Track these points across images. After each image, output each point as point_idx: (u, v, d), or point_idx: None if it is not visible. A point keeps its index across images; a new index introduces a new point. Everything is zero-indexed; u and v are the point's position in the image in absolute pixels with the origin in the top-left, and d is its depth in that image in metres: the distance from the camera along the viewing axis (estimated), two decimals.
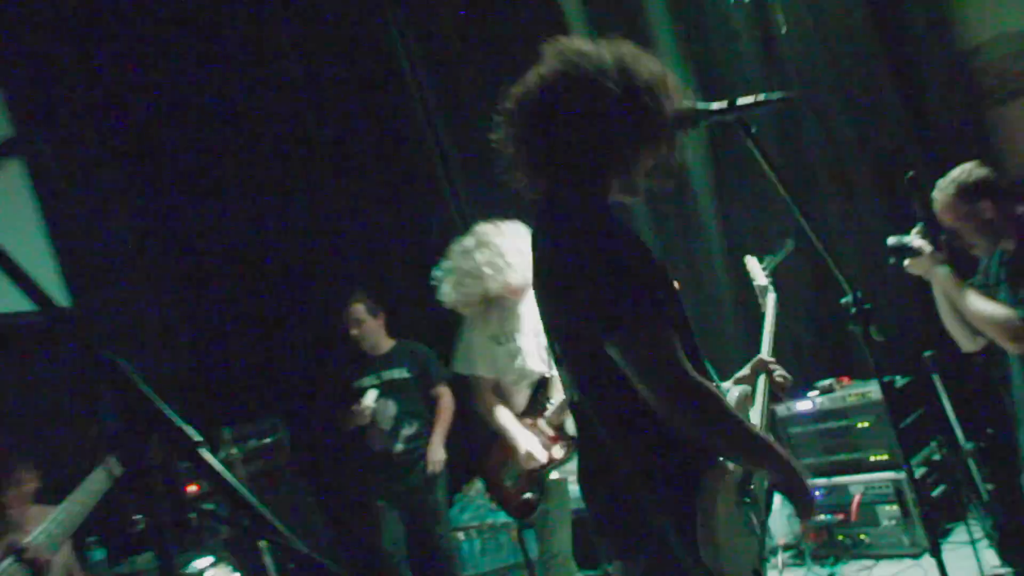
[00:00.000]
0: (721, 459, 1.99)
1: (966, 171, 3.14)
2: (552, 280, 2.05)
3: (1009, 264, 3.12)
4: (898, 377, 4.55)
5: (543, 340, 3.78)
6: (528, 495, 3.87)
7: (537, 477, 3.86)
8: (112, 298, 5.63)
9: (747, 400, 2.35)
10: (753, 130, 2.34)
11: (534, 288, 2.15)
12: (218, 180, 6.35)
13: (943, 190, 3.15)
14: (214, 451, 1.26)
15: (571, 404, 2.21)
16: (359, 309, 5.13)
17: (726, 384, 2.41)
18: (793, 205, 2.35)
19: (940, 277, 3.12)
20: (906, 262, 3.24)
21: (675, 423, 1.89)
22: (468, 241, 3.98)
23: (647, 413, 1.91)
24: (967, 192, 3.08)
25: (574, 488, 4.12)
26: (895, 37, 4.67)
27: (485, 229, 3.97)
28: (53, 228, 5.19)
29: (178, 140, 6.29)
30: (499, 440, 3.96)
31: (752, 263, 3.30)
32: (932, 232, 3.19)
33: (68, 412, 4.88)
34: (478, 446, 4.10)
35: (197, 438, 1.26)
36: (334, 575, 1.25)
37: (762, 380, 2.44)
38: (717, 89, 4.80)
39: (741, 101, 2.30)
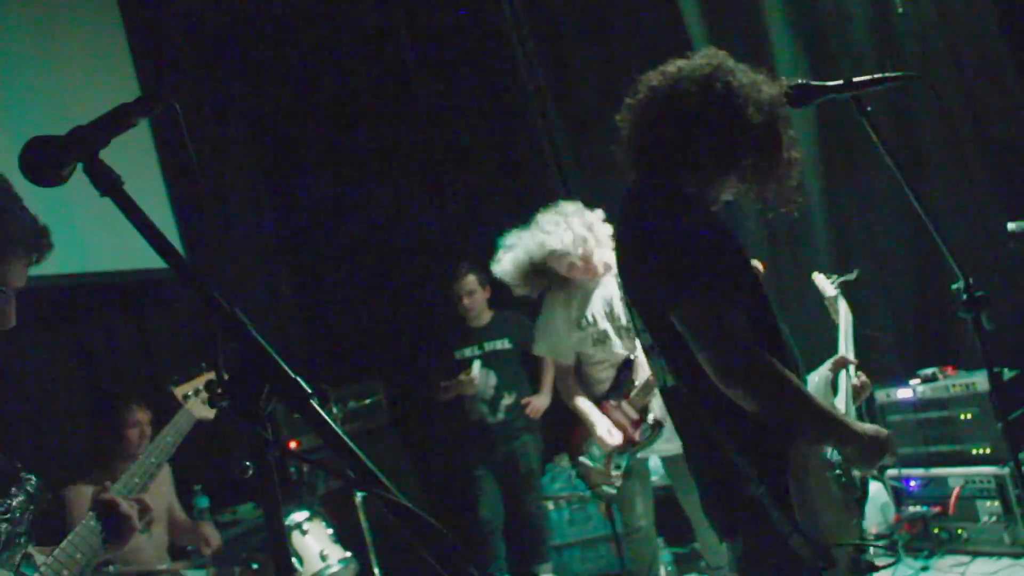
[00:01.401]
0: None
1: None
2: (631, 259, 2.17)
3: None
4: (1006, 369, 4.39)
5: (625, 322, 3.82)
6: (614, 473, 3.87)
7: (618, 461, 3.88)
8: (226, 258, 5.84)
9: (829, 386, 2.35)
10: (869, 109, 2.30)
11: (619, 274, 2.26)
12: (339, 154, 6.52)
13: None
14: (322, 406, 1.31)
15: (664, 389, 2.25)
16: (472, 280, 5.24)
17: (811, 373, 2.40)
18: (906, 186, 2.31)
19: None
20: None
21: (732, 393, 1.94)
22: (540, 216, 4.00)
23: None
24: None
25: (656, 463, 4.15)
26: (1016, 19, 4.48)
27: (563, 207, 3.98)
28: (174, 187, 5.41)
29: (306, 114, 6.52)
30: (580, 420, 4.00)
31: (820, 279, 3.28)
32: None
33: (180, 364, 5.14)
34: (566, 428, 4.12)
35: (308, 390, 1.32)
36: (434, 529, 1.30)
37: (843, 373, 2.44)
38: (830, 71, 4.67)
39: (858, 79, 2.27)
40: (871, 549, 4.45)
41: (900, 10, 4.74)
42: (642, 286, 2.13)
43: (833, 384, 2.41)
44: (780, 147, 2.13)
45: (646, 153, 2.17)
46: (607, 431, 3.83)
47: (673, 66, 2.17)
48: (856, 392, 2.45)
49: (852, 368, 2.48)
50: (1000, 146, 4.56)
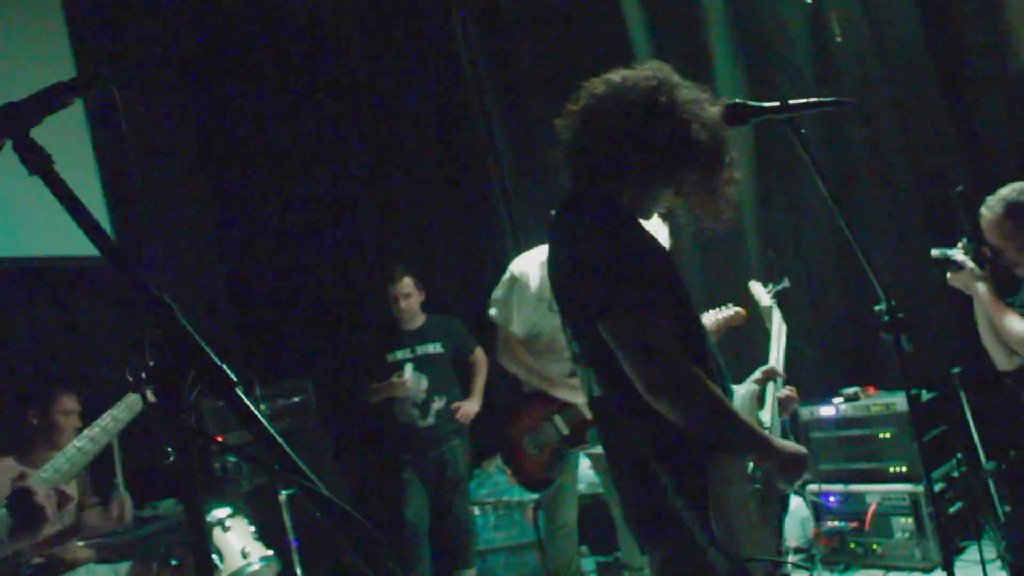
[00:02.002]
0: None
1: (1016, 190, 3.12)
2: (562, 269, 2.16)
3: None
4: (924, 391, 4.53)
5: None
6: (551, 473, 3.87)
7: (561, 454, 3.88)
8: (160, 248, 5.74)
9: (755, 399, 2.39)
10: (803, 131, 2.36)
11: (551, 282, 2.25)
12: (278, 148, 6.46)
13: (991, 208, 3.14)
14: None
15: (591, 399, 2.25)
16: (408, 283, 5.21)
17: (738, 386, 2.44)
18: (835, 209, 2.37)
19: (980, 293, 3.12)
20: (948, 275, 3.24)
21: (658, 404, 1.96)
22: None
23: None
24: (1016, 211, 3.07)
25: (584, 464, 4.18)
26: (950, 54, 4.65)
27: None
28: (107, 172, 5.31)
29: (248, 108, 6.44)
30: (526, 407, 3.95)
31: (756, 287, 3.34)
32: (976, 248, 3.19)
33: (110, 352, 5.05)
34: (501, 412, 4.07)
35: (234, 379, 1.31)
36: (357, 523, 1.30)
37: (771, 386, 2.48)
38: (770, 93, 4.78)
39: (794, 101, 2.33)
40: (787, 564, 4.58)
41: (839, 38, 4.88)
42: (572, 296, 2.14)
43: (760, 396, 2.45)
44: (721, 165, 2.16)
45: (584, 161, 2.17)
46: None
47: (617, 75, 2.18)
48: (783, 404, 2.50)
49: (780, 380, 2.53)
50: (928, 174, 4.70)
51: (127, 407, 2.44)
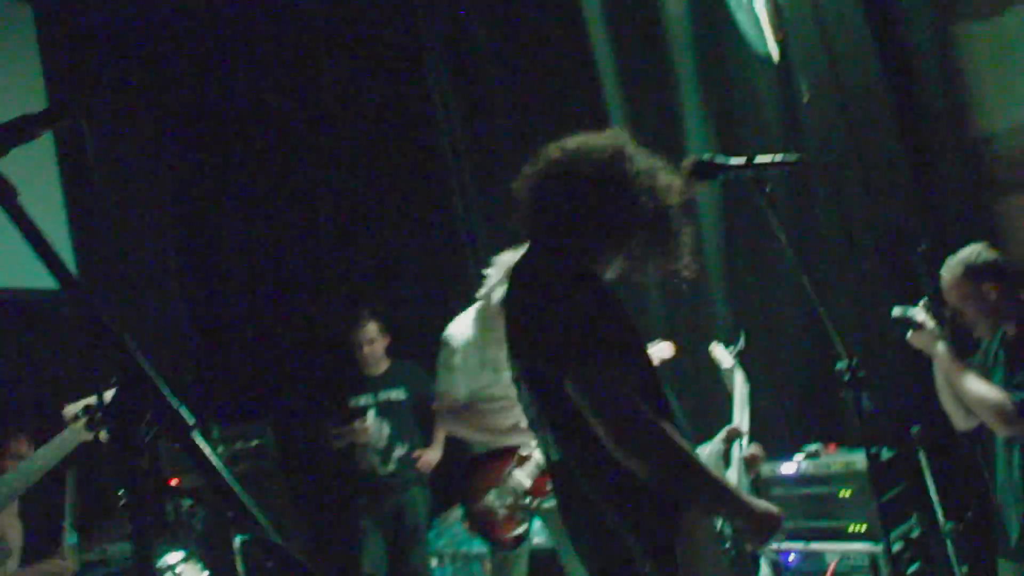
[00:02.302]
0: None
1: (975, 252, 3.17)
2: (524, 328, 2.16)
3: (1008, 348, 3.15)
4: (885, 449, 4.55)
5: None
6: (519, 530, 3.83)
7: (527, 509, 3.84)
8: (123, 284, 5.68)
9: (721, 459, 2.39)
10: (767, 188, 2.38)
11: (509, 343, 2.25)
12: (249, 190, 6.43)
13: (951, 269, 3.19)
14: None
15: (549, 464, 2.26)
16: (373, 328, 5.19)
17: (703, 446, 2.45)
18: (798, 266, 2.40)
19: (940, 353, 3.14)
20: (908, 335, 3.27)
21: (627, 460, 1.95)
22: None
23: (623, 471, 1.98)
24: (974, 272, 3.12)
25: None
26: (913, 118, 4.76)
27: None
28: (73, 207, 5.26)
29: (218, 149, 6.42)
30: (486, 464, 3.95)
31: (718, 350, 3.37)
32: (937, 308, 3.22)
33: (67, 388, 4.95)
34: (463, 470, 4.06)
35: (191, 421, 1.29)
36: (308, 573, 1.27)
37: (736, 445, 2.49)
38: (737, 149, 4.85)
39: (759, 159, 2.36)
40: None
41: (806, 98, 4.97)
42: (534, 354, 2.13)
43: (726, 456, 2.45)
44: (670, 232, 2.20)
45: (540, 225, 2.21)
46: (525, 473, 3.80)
47: (573, 143, 2.23)
48: (748, 463, 2.51)
49: (745, 439, 2.54)
50: (889, 234, 4.78)
51: (57, 446, 2.38)
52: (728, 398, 3.01)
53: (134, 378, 1.30)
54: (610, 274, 2.29)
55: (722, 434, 2.53)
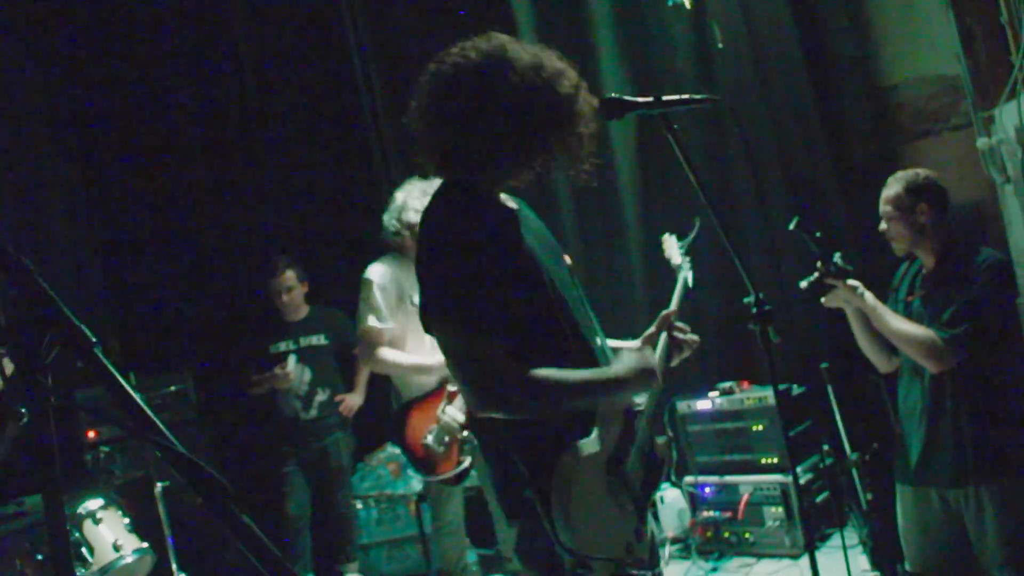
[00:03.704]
0: (577, 442, 2.07)
1: (918, 172, 3.29)
2: (418, 266, 2.12)
3: (927, 282, 3.27)
4: (795, 386, 4.72)
5: None
6: (465, 463, 3.84)
7: (466, 442, 3.85)
8: (33, 228, 5.54)
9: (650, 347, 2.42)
10: (675, 126, 2.42)
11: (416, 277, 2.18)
12: (160, 138, 6.29)
13: (896, 179, 3.29)
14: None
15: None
16: (290, 276, 5.16)
17: (629, 343, 2.50)
18: (707, 203, 2.44)
19: (867, 301, 3.21)
20: (823, 300, 3.35)
21: (482, 413, 2.05)
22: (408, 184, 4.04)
23: None
24: (914, 189, 3.23)
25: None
26: (822, 67, 4.89)
27: (417, 182, 4.00)
28: None
29: (126, 97, 6.25)
30: (416, 407, 3.95)
31: (669, 242, 3.39)
32: (838, 265, 3.32)
33: None
34: (392, 418, 4.05)
35: (93, 339, 1.29)
36: (217, 482, 1.29)
37: (663, 337, 2.52)
38: (653, 92, 4.90)
39: (667, 97, 2.39)
40: (666, 554, 4.70)
41: (720, 45, 5.05)
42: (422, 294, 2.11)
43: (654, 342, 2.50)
44: (571, 124, 2.13)
45: (437, 154, 2.16)
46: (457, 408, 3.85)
47: (449, 59, 2.14)
48: (677, 345, 2.54)
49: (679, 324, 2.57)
50: (798, 180, 4.91)
51: None
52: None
53: (34, 298, 1.29)
54: (518, 182, 2.25)
55: (652, 327, 2.56)
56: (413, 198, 3.91)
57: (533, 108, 2.07)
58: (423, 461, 3.87)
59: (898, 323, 3.18)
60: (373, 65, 6.03)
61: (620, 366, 2.17)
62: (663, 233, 3.50)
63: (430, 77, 2.14)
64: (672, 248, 3.37)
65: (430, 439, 3.80)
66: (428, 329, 2.07)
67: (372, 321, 4.03)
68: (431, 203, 2.16)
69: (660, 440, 2.40)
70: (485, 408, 2.02)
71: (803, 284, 3.37)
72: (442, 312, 2.01)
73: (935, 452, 3.18)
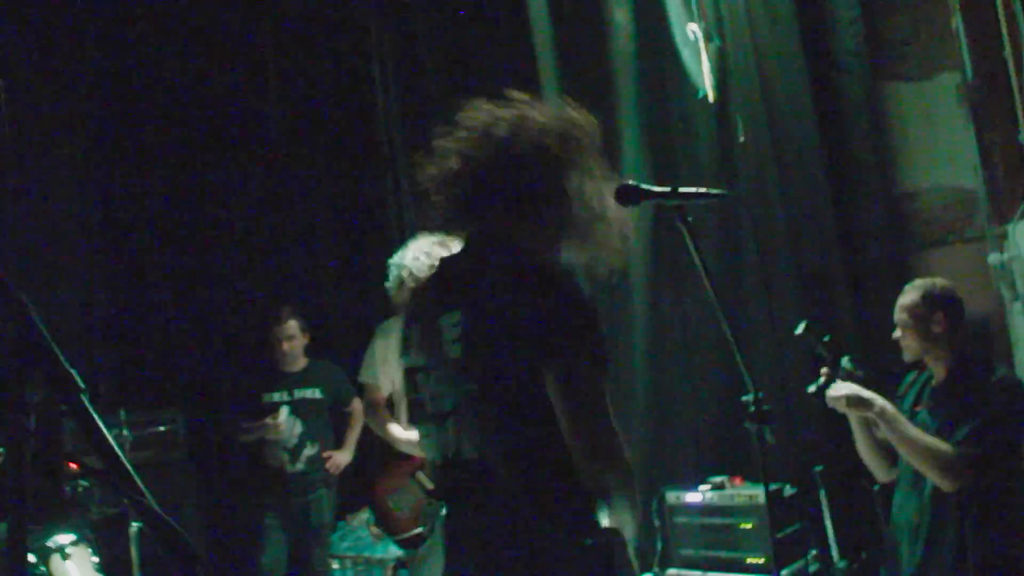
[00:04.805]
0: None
1: (934, 282, 3.28)
2: (508, 311, 1.99)
3: (936, 393, 3.25)
4: (788, 486, 4.64)
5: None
6: (419, 530, 3.84)
7: (428, 510, 3.83)
8: (40, 252, 5.55)
9: None
10: (689, 218, 2.43)
11: (468, 342, 2.07)
12: (167, 178, 6.33)
13: (914, 287, 3.27)
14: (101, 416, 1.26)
15: (453, 461, 2.13)
16: (293, 325, 5.17)
17: None
18: (713, 295, 2.43)
19: (887, 411, 3.14)
20: (831, 400, 3.29)
21: (591, 467, 1.90)
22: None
23: (560, 466, 1.92)
24: (931, 299, 3.21)
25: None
26: (842, 168, 4.91)
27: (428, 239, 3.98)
28: None
29: (138, 122, 6.31)
30: (392, 465, 3.96)
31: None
32: (848, 369, 3.29)
33: None
34: (370, 471, 4.07)
35: (81, 385, 1.27)
36: (189, 550, 1.26)
37: None
38: (671, 181, 4.93)
39: (684, 189, 2.41)
40: None
41: (742, 139, 5.10)
42: (510, 334, 1.97)
43: None
44: (606, 219, 2.18)
45: (487, 214, 2.12)
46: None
47: (510, 118, 2.17)
48: None
49: None
50: (809, 277, 4.91)
51: None
52: None
53: (26, 338, 1.27)
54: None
55: None
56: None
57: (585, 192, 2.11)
58: (384, 520, 3.89)
59: (916, 433, 3.10)
60: (396, 123, 6.09)
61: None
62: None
63: (488, 134, 2.14)
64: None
65: (394, 499, 3.82)
66: (529, 363, 1.93)
67: (371, 379, 4.03)
68: (492, 258, 2.10)
69: None
70: (602, 455, 1.90)
71: (810, 389, 3.35)
72: (580, 349, 1.91)
73: (931, 569, 3.12)
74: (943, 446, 3.04)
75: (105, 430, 1.27)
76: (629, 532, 2.29)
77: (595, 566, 1.95)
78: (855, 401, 3.18)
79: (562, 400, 1.90)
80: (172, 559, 1.24)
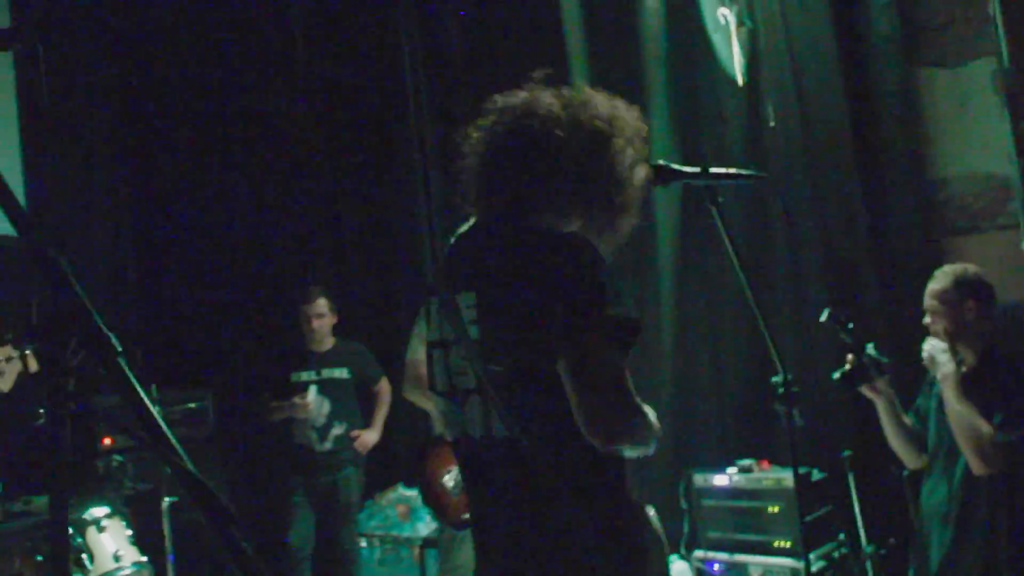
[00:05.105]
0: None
1: (966, 268, 3.26)
2: (518, 292, 1.99)
3: (965, 379, 3.19)
4: (815, 470, 4.64)
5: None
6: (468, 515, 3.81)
7: None
8: (74, 226, 5.61)
9: None
10: (720, 199, 2.43)
11: (484, 321, 2.06)
12: (198, 156, 6.38)
13: (941, 277, 3.26)
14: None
15: (485, 439, 2.11)
16: (322, 304, 5.20)
17: None
18: (743, 278, 2.43)
19: (950, 378, 3.11)
20: (865, 389, 3.29)
21: (600, 442, 1.87)
22: None
23: (584, 449, 1.90)
24: (963, 285, 3.20)
25: None
26: (872, 154, 4.88)
27: None
28: (29, 141, 5.18)
29: (167, 104, 6.35)
30: (442, 446, 3.91)
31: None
32: (861, 358, 3.28)
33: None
34: (416, 450, 4.02)
35: (118, 347, 1.29)
36: (226, 512, 1.28)
37: None
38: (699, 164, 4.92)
39: (715, 169, 2.41)
40: None
41: (772, 123, 5.07)
42: (524, 313, 1.96)
43: None
44: (628, 205, 2.16)
45: (516, 189, 2.10)
46: None
47: (555, 101, 2.18)
48: None
49: None
50: (837, 264, 4.88)
51: None
52: None
53: (66, 300, 1.29)
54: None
55: None
56: None
57: (617, 177, 2.11)
58: (436, 501, 3.83)
59: (967, 408, 3.06)
60: (426, 107, 6.09)
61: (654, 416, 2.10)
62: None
63: (534, 111, 2.14)
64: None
65: (447, 478, 3.76)
66: (546, 342, 1.90)
67: (415, 355, 4.02)
68: (517, 238, 2.08)
69: None
70: (614, 435, 1.88)
71: (835, 376, 3.34)
72: (601, 331, 1.87)
73: (962, 556, 3.11)
74: (986, 427, 3.02)
75: (143, 392, 1.29)
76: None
77: (623, 548, 1.97)
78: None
79: (569, 380, 1.87)
80: (207, 521, 1.25)
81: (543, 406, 1.95)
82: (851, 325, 3.28)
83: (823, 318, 3.29)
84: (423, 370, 3.93)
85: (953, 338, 3.21)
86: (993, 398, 3.07)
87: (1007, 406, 3.02)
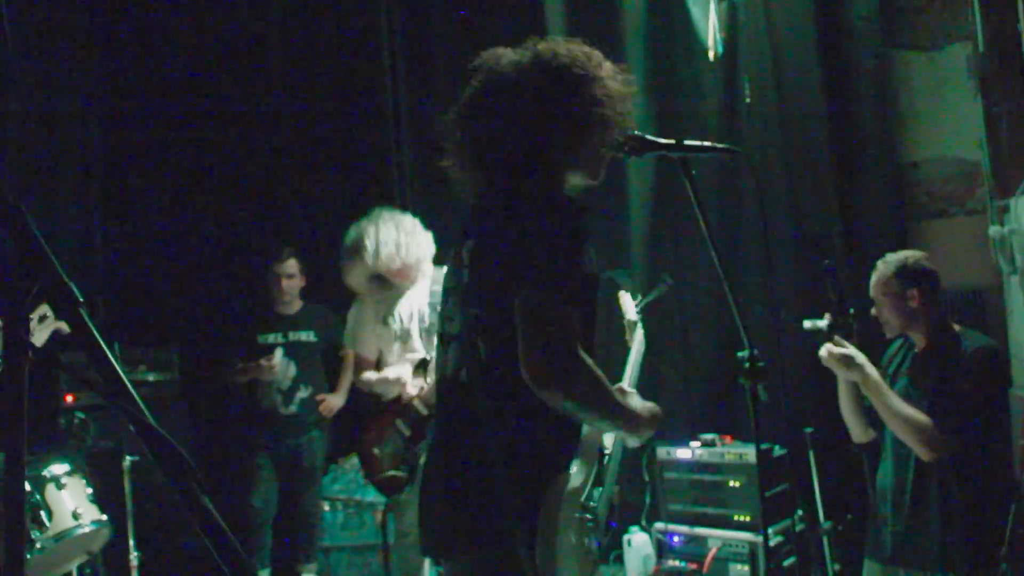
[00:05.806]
0: (568, 469, 2.06)
1: (911, 256, 3.26)
2: (497, 246, 2.07)
3: (915, 362, 3.25)
4: (777, 447, 4.69)
5: (428, 325, 3.96)
6: (397, 472, 3.90)
7: (409, 455, 3.88)
8: (39, 177, 5.53)
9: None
10: (693, 172, 2.42)
11: (473, 269, 2.15)
12: (171, 107, 6.27)
13: (884, 265, 3.26)
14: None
15: (447, 379, 2.20)
16: (293, 264, 5.17)
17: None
18: (713, 251, 2.42)
19: (869, 376, 3.13)
20: (823, 354, 3.28)
21: (543, 392, 1.91)
22: (362, 221, 4.11)
23: (529, 403, 1.95)
24: (905, 274, 3.20)
25: None
26: (846, 134, 4.90)
27: (379, 212, 4.10)
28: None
29: (141, 60, 6.25)
30: (372, 418, 4.02)
31: (625, 298, 3.34)
32: (845, 320, 3.29)
33: None
34: (358, 421, 4.15)
35: (80, 298, 1.27)
36: (186, 465, 1.26)
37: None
38: (675, 137, 4.91)
39: (689, 142, 2.40)
40: None
41: (747, 99, 5.07)
42: (498, 264, 2.05)
43: None
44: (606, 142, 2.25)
45: (503, 147, 2.15)
46: (407, 376, 3.93)
47: (529, 56, 2.23)
48: None
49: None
50: (807, 241, 4.91)
51: None
52: (624, 352, 3.01)
53: (25, 247, 1.26)
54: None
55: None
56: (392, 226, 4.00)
57: (599, 115, 2.18)
58: (365, 460, 4.02)
59: (898, 404, 3.09)
60: (401, 77, 6.04)
61: (638, 403, 2.17)
62: (623, 287, 3.41)
63: (497, 79, 2.19)
64: (628, 304, 3.32)
65: (377, 450, 3.88)
66: (510, 292, 1.96)
67: (351, 341, 4.30)
68: (502, 203, 2.12)
69: (615, 489, 2.39)
70: (551, 382, 1.90)
71: (806, 324, 3.33)
72: (544, 278, 1.93)
73: (915, 535, 3.14)
74: (922, 417, 3.05)
75: (104, 344, 1.27)
76: (609, 441, 2.32)
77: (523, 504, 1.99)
78: (846, 361, 3.18)
79: (520, 326, 1.93)
80: (168, 474, 1.24)
81: (503, 355, 1.99)
82: (842, 292, 3.29)
83: (825, 263, 3.30)
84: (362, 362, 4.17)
85: (902, 328, 3.26)
86: (939, 382, 3.10)
87: (949, 391, 3.05)
